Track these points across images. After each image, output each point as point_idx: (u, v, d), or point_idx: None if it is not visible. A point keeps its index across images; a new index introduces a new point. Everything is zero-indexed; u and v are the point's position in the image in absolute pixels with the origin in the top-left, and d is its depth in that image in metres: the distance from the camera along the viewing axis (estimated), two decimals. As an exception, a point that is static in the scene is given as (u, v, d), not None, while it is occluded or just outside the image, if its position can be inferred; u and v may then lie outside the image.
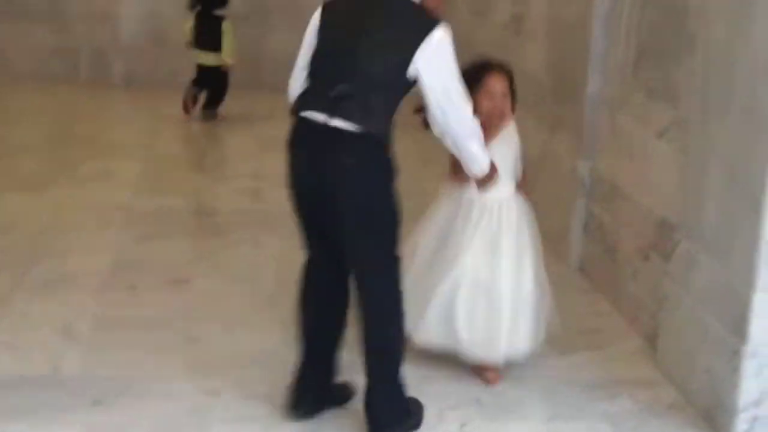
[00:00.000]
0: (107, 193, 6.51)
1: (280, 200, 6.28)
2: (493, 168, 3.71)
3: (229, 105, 8.74)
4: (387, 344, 3.61)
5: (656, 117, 4.55)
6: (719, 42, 3.88)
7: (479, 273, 3.97)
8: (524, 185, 4.12)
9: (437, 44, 3.31)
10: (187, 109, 8.51)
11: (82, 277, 5.03)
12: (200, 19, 8.40)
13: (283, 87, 3.69)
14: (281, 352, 4.29)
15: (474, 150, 3.58)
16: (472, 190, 3.92)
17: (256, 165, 7.26)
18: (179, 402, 3.87)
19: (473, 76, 3.83)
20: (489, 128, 3.85)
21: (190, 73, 8.51)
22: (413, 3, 3.42)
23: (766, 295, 3.57)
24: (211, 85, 8.56)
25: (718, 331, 3.74)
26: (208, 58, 8.46)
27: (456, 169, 3.90)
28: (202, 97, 8.59)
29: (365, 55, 3.33)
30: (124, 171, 7.02)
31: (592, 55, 5.20)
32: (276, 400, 3.89)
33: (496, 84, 3.95)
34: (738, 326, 3.64)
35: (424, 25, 3.32)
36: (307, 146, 3.42)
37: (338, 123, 3.33)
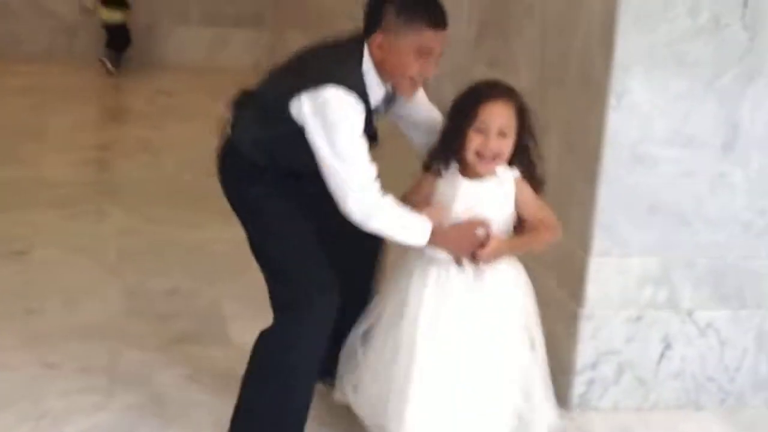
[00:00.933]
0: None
1: (124, 170, 6.37)
2: (440, 235, 3.02)
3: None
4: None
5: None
6: (556, 12, 3.96)
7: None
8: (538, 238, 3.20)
9: (323, 102, 2.95)
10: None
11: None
12: None
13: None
14: (122, 323, 4.23)
15: (375, 228, 3.00)
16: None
17: (102, 135, 7.11)
18: (14, 373, 3.77)
19: (465, 103, 3.06)
20: (477, 172, 3.08)
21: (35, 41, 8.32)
22: (359, 50, 3.05)
23: (600, 259, 3.68)
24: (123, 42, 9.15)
25: (559, 295, 3.83)
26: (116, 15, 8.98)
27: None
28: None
29: (277, 72, 3.18)
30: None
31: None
32: (116, 371, 3.83)
33: (492, 116, 3.01)
34: (575, 290, 3.73)
35: (326, 75, 2.97)
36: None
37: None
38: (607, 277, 3.69)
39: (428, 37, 2.98)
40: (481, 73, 4.80)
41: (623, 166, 3.61)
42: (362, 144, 2.99)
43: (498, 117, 3.00)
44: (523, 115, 3.05)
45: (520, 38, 4.37)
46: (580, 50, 3.75)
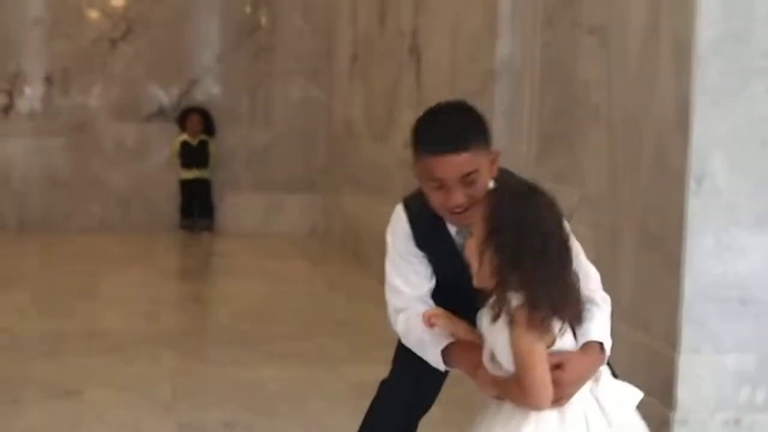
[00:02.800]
0: (-8, 319, 6.13)
1: (177, 321, 6.26)
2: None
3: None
4: None
5: (564, 200, 4.44)
6: (625, 106, 3.83)
7: None
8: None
9: None
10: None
11: None
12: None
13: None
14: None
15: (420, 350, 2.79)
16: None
17: (151, 292, 6.99)
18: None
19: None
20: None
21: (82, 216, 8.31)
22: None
23: (690, 357, 3.41)
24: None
25: (645, 400, 3.54)
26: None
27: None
28: None
29: None
30: (13, 300, 6.65)
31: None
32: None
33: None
34: (665, 393, 3.45)
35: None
36: None
37: None
38: (700, 376, 3.42)
39: (430, 164, 2.62)
40: (548, 188, 4.65)
41: (709, 255, 3.39)
42: (401, 263, 2.81)
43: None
44: (490, 218, 2.44)
45: (586, 145, 4.23)
46: (654, 141, 3.60)
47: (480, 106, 5.36)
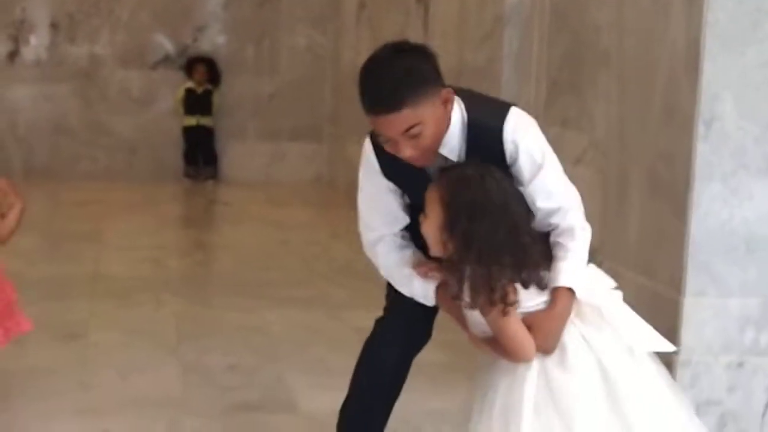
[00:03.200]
0: (-2, 262, 6.12)
1: (181, 267, 6.26)
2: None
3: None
4: None
5: (572, 145, 4.42)
6: (635, 51, 3.79)
7: None
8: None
9: None
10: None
11: (-35, 333, 4.65)
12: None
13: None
14: (180, 394, 4.01)
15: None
16: None
17: (156, 238, 6.99)
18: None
19: None
20: None
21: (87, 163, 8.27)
22: None
23: (695, 300, 3.40)
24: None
25: (648, 344, 3.54)
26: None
27: None
28: None
29: None
30: (20, 244, 6.63)
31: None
32: (173, 436, 3.59)
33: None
34: (670, 336, 3.43)
35: None
36: None
37: None
38: (704, 319, 3.41)
39: (371, 121, 2.57)
40: (555, 134, 4.62)
41: (716, 199, 3.36)
42: (374, 199, 2.81)
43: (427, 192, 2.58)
44: (447, 204, 2.52)
45: (595, 90, 4.19)
46: (664, 85, 3.56)
47: (488, 51, 5.39)
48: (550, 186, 2.64)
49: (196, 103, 9.20)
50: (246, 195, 8.77)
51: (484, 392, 2.61)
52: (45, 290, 5.46)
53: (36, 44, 9.38)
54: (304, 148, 9.48)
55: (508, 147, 2.62)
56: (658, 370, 2.63)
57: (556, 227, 2.64)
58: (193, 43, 9.47)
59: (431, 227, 2.55)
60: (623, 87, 3.90)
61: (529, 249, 2.54)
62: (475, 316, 2.57)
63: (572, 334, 2.55)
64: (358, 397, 3.05)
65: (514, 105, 2.72)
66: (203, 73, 9.20)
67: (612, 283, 2.70)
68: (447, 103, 2.60)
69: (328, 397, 3.98)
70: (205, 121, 9.27)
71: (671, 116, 3.50)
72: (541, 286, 2.56)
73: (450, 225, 2.51)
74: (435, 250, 2.59)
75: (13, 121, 9.34)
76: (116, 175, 9.24)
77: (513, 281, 2.50)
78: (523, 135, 2.63)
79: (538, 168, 2.62)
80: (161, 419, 3.73)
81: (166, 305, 5.29)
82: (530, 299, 2.54)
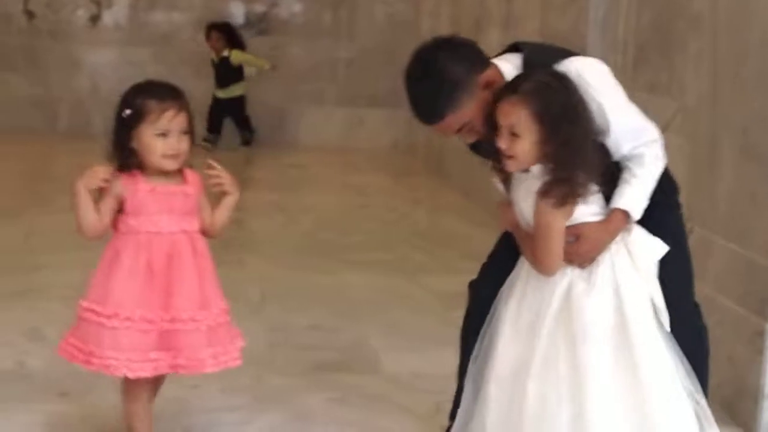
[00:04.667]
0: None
1: (261, 228, 6.30)
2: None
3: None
4: None
5: (661, 110, 4.36)
6: (728, 13, 3.72)
7: None
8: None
9: None
10: None
11: (54, 289, 4.75)
12: None
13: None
14: (264, 352, 4.05)
15: None
16: None
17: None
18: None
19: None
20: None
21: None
22: None
23: (789, 269, 3.34)
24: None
25: (739, 312, 3.49)
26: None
27: None
28: None
29: None
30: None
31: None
32: (259, 392, 3.65)
33: (501, 116, 2.59)
34: (761, 304, 3.39)
35: None
36: None
37: None
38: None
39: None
40: (642, 100, 4.56)
41: (812, 165, 3.30)
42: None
43: (505, 116, 2.56)
44: (543, 116, 2.53)
45: (684, 54, 4.12)
46: (758, 46, 3.49)
47: (573, 16, 5.32)
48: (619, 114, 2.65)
49: (216, 73, 9.11)
50: (324, 160, 8.81)
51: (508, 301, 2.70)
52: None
53: (117, 9, 9.49)
54: (382, 114, 9.47)
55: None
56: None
57: (628, 153, 2.66)
58: (271, 10, 9.51)
59: (525, 145, 2.53)
60: (715, 50, 3.83)
61: (605, 157, 2.62)
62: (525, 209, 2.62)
63: (605, 256, 2.61)
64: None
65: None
66: (217, 39, 9.02)
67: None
68: (489, 86, 2.66)
69: (408, 358, 4.04)
70: (222, 92, 9.11)
71: (766, 78, 3.43)
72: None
73: (551, 135, 2.51)
74: (523, 165, 2.58)
75: (95, 85, 9.47)
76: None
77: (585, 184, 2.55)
78: (588, 71, 2.63)
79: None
80: (246, 375, 3.75)
81: (249, 265, 5.35)
82: (586, 209, 2.59)
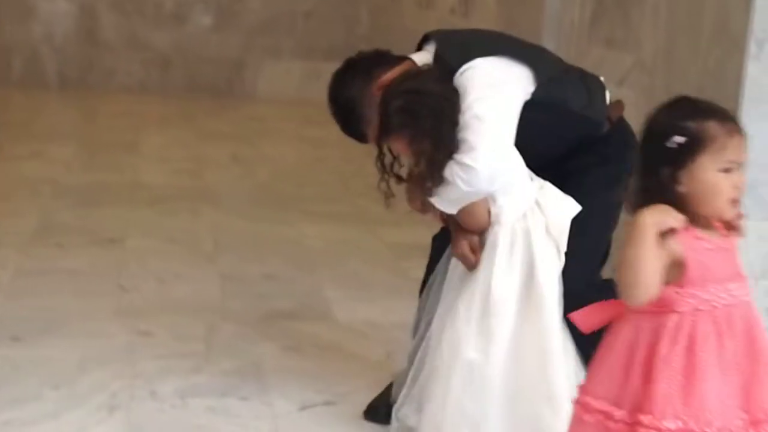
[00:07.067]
0: (37, 169, 6.17)
1: (217, 179, 6.27)
2: None
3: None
4: None
5: (617, 64, 4.38)
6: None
7: None
8: None
9: None
10: None
11: (5, 236, 4.70)
12: None
13: None
14: (218, 300, 4.05)
15: None
16: None
17: (192, 151, 7.01)
18: (109, 339, 3.59)
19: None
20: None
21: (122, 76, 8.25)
22: None
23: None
24: None
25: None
26: None
27: None
28: None
29: None
30: (57, 152, 6.68)
31: (547, 19, 5.02)
32: (212, 340, 3.64)
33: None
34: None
35: None
36: None
37: None
38: (747, 244, 3.38)
39: None
40: (599, 54, 4.58)
41: (765, 120, 3.32)
42: None
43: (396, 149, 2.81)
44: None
45: (642, 8, 4.13)
46: (715, 2, 3.50)
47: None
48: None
49: None
50: (281, 112, 8.76)
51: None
52: (82, 197, 5.52)
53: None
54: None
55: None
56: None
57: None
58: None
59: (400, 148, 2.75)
60: (672, 5, 3.84)
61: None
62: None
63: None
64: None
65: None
66: None
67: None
68: (381, 88, 2.76)
69: (363, 308, 4.06)
70: None
71: (721, 35, 3.44)
72: None
73: (417, 134, 2.66)
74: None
75: (50, 33, 9.31)
76: (151, 89, 9.23)
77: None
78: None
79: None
80: (200, 324, 3.77)
81: (203, 215, 5.32)
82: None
